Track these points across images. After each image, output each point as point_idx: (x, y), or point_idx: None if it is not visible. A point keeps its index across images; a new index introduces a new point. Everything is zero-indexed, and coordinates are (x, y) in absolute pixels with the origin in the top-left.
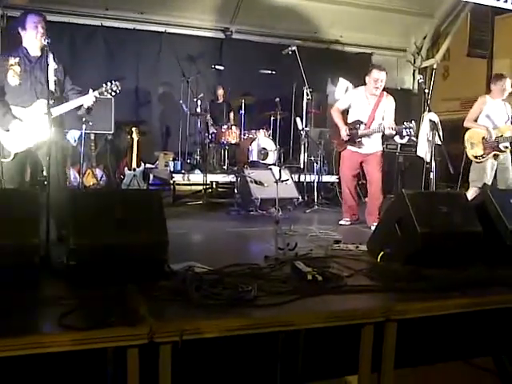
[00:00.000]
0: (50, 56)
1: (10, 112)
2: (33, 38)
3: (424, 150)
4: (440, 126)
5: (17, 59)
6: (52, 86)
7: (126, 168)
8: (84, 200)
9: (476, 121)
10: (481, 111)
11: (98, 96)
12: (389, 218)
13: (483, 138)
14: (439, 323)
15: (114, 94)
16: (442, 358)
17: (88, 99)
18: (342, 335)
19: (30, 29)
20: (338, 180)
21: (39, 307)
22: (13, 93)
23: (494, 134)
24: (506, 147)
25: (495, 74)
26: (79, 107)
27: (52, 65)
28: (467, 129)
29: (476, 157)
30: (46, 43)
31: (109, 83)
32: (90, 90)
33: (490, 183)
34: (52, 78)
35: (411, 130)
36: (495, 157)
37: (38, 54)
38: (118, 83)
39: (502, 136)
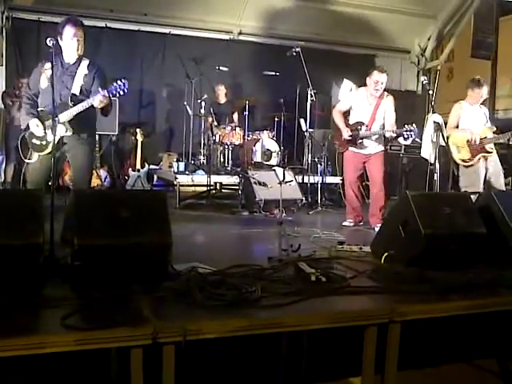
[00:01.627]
0: (85, 63)
1: (32, 113)
2: (68, 48)
3: (428, 152)
4: (444, 128)
5: (51, 64)
6: (77, 90)
7: (130, 169)
8: (88, 200)
9: (457, 127)
10: (459, 118)
11: (106, 95)
12: (392, 220)
13: (467, 140)
14: (443, 325)
15: (121, 93)
16: (446, 359)
17: (95, 100)
18: (345, 336)
19: (67, 40)
20: (341, 181)
21: (43, 307)
22: (43, 95)
23: (478, 137)
24: (492, 148)
25: (472, 79)
26: (90, 108)
27: (83, 71)
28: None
29: (464, 160)
30: (51, 45)
31: (118, 81)
32: (99, 90)
33: (481, 187)
34: (79, 83)
35: (412, 133)
36: (484, 159)
37: (72, 60)
38: (125, 81)
39: (485, 137)
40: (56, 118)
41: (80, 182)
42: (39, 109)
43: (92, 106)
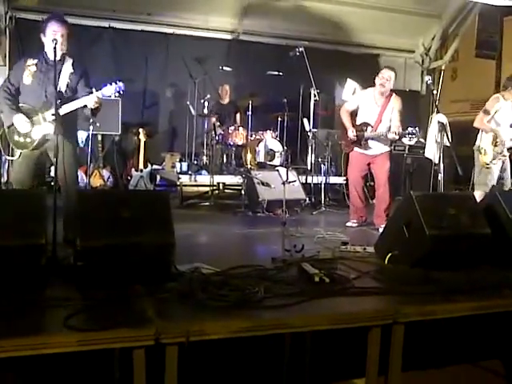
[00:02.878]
0: (70, 61)
1: (15, 109)
2: (51, 46)
3: (432, 152)
4: (448, 128)
5: (35, 61)
6: (63, 88)
7: (132, 169)
8: (91, 201)
9: (489, 122)
10: (495, 113)
11: (101, 97)
12: (397, 220)
13: (493, 143)
14: (447, 326)
15: (117, 94)
16: (450, 360)
17: (90, 100)
18: (348, 338)
19: (50, 37)
20: (345, 181)
21: (46, 308)
22: (25, 91)
23: (503, 138)
24: (510, 149)
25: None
26: (85, 108)
27: (69, 69)
28: (477, 131)
29: (486, 163)
30: (53, 44)
31: (113, 83)
32: (94, 90)
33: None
34: (65, 81)
35: (413, 136)
36: (502, 161)
37: (57, 58)
38: (121, 83)
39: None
40: (55, 114)
41: (67, 179)
42: (20, 104)
43: (85, 105)
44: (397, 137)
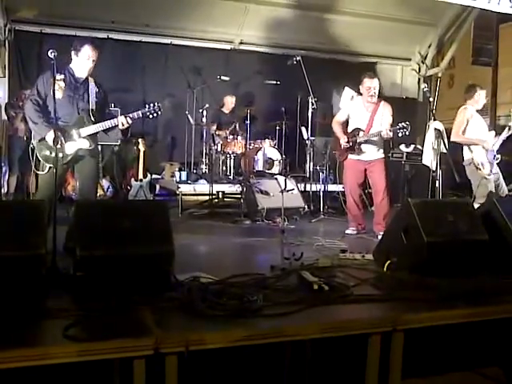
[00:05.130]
0: (92, 80)
1: (48, 124)
2: (82, 66)
3: (429, 159)
4: (445, 135)
5: (62, 76)
6: (94, 106)
7: (132, 179)
8: (91, 210)
9: (464, 133)
10: (467, 122)
11: (136, 118)
12: (395, 227)
13: (485, 155)
14: (447, 332)
15: (155, 115)
16: (450, 368)
17: (120, 121)
18: (348, 345)
19: (83, 58)
20: (343, 189)
21: (45, 318)
22: (56, 106)
23: (490, 147)
24: (498, 158)
25: (468, 85)
26: (113, 127)
27: (94, 87)
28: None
29: (487, 175)
30: (52, 56)
31: (151, 105)
32: (122, 116)
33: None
34: (94, 99)
35: (405, 130)
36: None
37: (84, 76)
38: (160, 105)
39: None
40: (63, 130)
41: (87, 193)
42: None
43: (115, 125)
44: (388, 134)
